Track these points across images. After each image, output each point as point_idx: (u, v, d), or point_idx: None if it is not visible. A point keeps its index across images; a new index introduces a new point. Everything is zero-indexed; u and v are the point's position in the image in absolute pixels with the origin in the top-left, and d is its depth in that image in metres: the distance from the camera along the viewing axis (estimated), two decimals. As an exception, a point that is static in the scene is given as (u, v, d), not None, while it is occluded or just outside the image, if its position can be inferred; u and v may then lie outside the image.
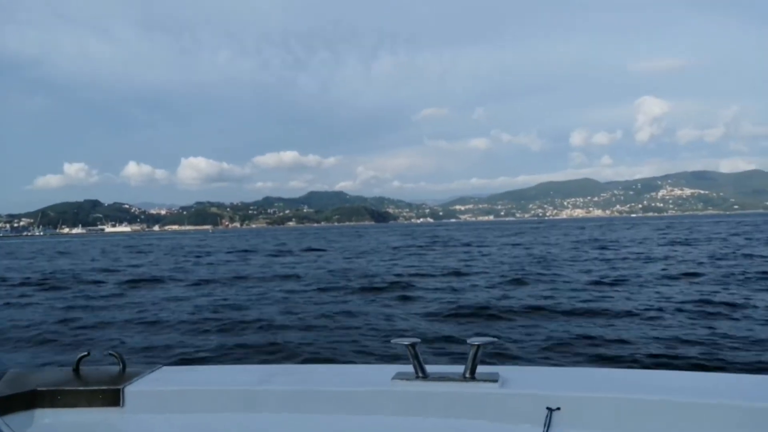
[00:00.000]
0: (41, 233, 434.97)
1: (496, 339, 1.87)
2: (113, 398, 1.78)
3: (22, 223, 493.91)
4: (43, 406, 1.69)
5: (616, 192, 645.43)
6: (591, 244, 28.12)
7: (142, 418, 1.76)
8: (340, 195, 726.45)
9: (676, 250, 21.56)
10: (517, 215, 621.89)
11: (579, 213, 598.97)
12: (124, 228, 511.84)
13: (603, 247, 25.17)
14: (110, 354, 1.93)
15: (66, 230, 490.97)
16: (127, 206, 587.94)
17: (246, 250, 33.44)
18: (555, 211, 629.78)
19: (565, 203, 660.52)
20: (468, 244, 33.08)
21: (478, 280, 13.37)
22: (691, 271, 13.76)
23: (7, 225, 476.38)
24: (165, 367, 2.00)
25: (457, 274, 15.13)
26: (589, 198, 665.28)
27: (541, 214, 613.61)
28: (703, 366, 5.43)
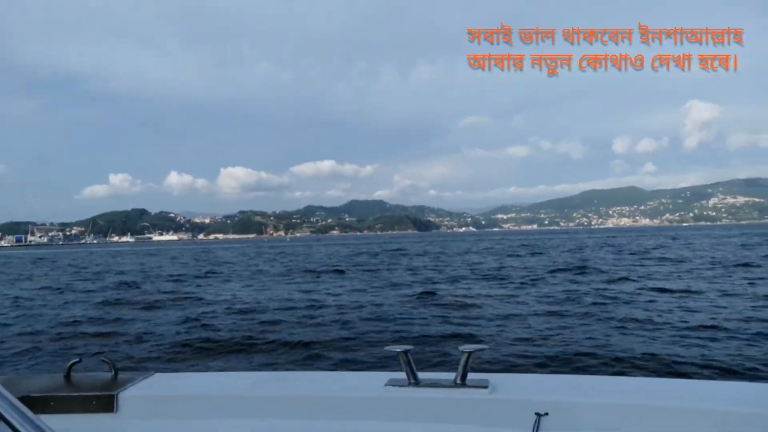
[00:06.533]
0: (94, 241, 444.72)
1: (486, 347, 2.01)
2: (107, 404, 1.78)
3: (74, 232, 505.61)
4: (35, 412, 1.41)
5: (663, 200, 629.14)
6: None
7: (136, 424, 1.75)
8: (379, 204, 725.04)
9: None
10: (561, 224, 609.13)
11: (625, 222, 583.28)
12: (171, 237, 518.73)
13: None
14: (102, 360, 1.93)
15: (116, 238, 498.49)
16: (172, 215, 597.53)
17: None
18: (600, 220, 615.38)
19: (610, 212, 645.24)
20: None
21: None
22: None
23: (60, 233, 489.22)
24: (157, 374, 2.00)
25: None
26: (635, 207, 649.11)
27: (585, 223, 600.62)
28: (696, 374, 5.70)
